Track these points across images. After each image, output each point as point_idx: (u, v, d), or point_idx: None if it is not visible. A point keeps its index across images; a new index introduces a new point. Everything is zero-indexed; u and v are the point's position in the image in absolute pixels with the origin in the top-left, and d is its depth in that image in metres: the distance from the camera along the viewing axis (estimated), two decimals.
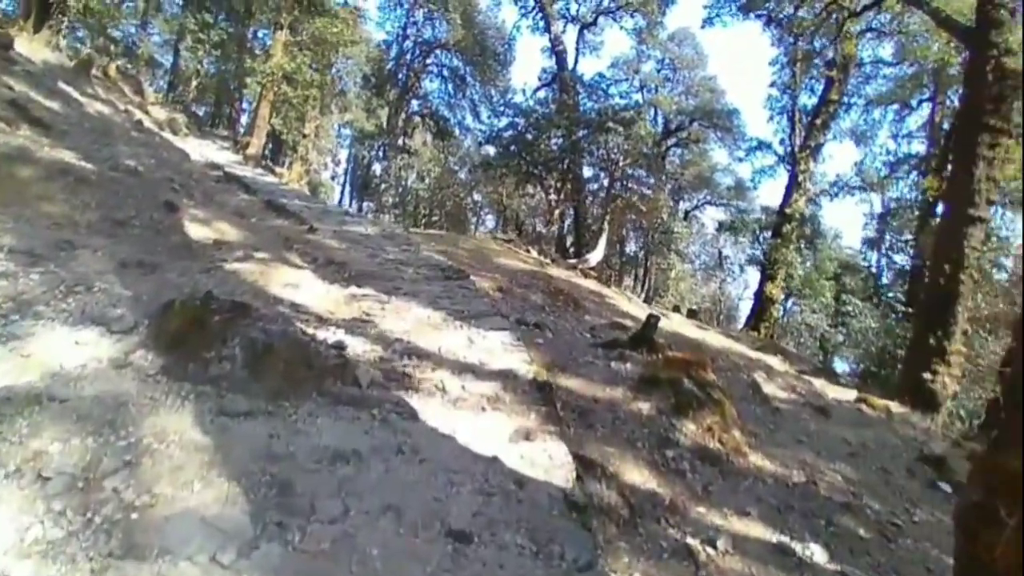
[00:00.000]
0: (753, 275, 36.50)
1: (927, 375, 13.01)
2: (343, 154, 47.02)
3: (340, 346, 4.99)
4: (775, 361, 13.54)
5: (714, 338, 13.68)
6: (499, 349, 5.79)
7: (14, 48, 16.15)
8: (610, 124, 18.65)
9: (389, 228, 11.94)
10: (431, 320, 6.36)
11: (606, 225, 20.15)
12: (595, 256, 18.88)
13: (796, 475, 6.46)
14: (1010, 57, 13.62)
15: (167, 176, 11.72)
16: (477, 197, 37.05)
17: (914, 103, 28.29)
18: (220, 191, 14.36)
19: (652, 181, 21.10)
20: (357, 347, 5.14)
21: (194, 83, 28.40)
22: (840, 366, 31.62)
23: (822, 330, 26.71)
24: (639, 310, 13.56)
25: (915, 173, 28.47)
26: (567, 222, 29.60)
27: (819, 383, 12.64)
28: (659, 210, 22.06)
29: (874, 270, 32.58)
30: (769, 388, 10.30)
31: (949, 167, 26.85)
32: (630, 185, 20.79)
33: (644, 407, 6.56)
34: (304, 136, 28.15)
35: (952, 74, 25.31)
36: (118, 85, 22.48)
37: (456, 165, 35.24)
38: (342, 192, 46.74)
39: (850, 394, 12.28)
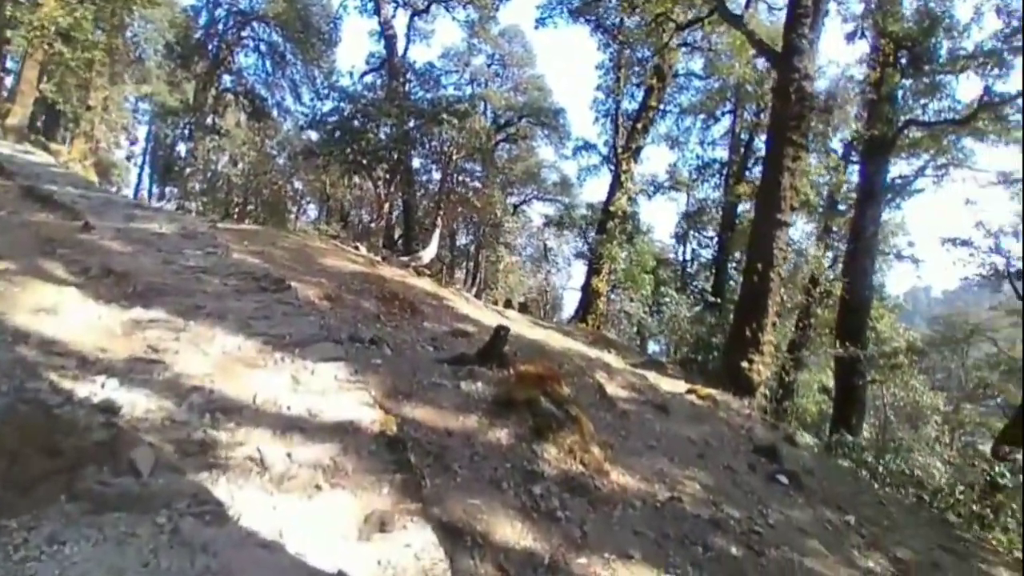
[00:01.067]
0: (577, 267, 37.86)
1: (744, 364, 13.85)
2: (142, 132, 41.34)
3: (110, 408, 3.49)
4: (611, 357, 13.57)
5: (554, 337, 13.33)
6: (333, 388, 4.59)
7: None
8: (444, 116, 17.62)
9: (192, 224, 9.94)
10: (243, 352, 4.95)
11: (439, 221, 19.15)
12: (428, 253, 17.90)
13: (660, 491, 6.32)
14: (808, 81, 14.80)
15: None
16: (298, 185, 34.29)
17: (718, 114, 30.67)
18: None
19: (485, 175, 20.41)
20: (136, 406, 3.65)
21: None
22: (652, 347, 34.06)
23: (639, 317, 28.22)
24: (479, 312, 12.81)
25: (718, 176, 30.96)
26: (396, 215, 28.21)
27: (651, 376, 13.02)
28: (493, 205, 21.55)
29: (682, 262, 35.19)
30: (612, 388, 10.25)
31: (755, 173, 30.38)
32: (463, 179, 19.94)
33: (502, 435, 5.84)
34: (88, 108, 23.92)
35: (749, 91, 27.69)
36: None
37: (274, 150, 32.23)
38: (139, 175, 41.05)
39: (679, 385, 12.96)
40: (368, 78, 28.96)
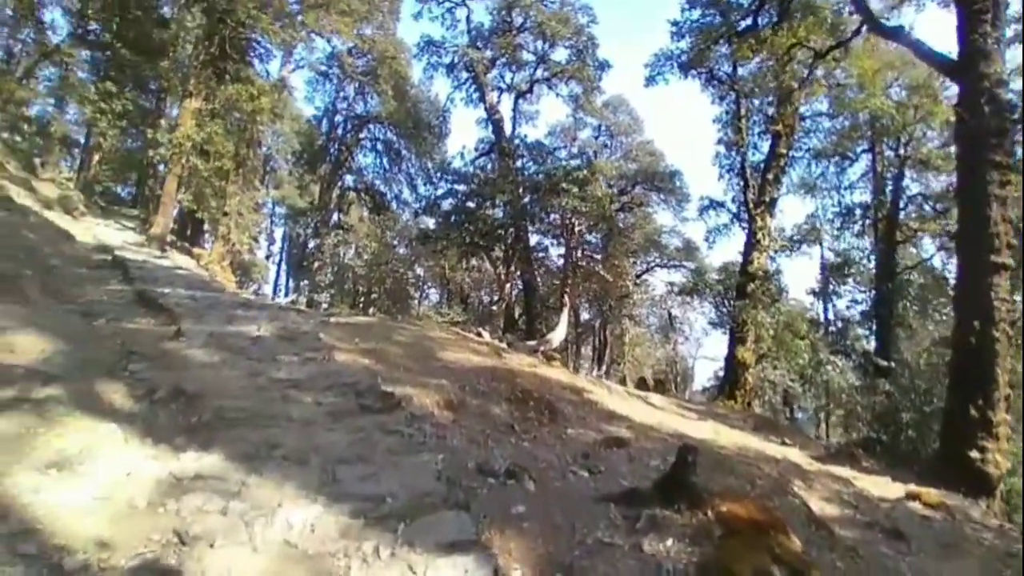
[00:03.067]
0: (712, 336, 34.48)
1: (973, 453, 10.46)
2: (279, 232, 43.54)
3: None
4: (794, 453, 10.73)
5: (721, 432, 10.68)
6: None
7: None
8: (563, 185, 15.93)
9: (296, 323, 8.55)
10: (315, 539, 3.03)
11: (566, 298, 17.15)
12: (558, 335, 15.90)
13: None
14: (1002, 88, 11.80)
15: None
16: (419, 271, 34.00)
17: (853, 154, 27.21)
18: (86, 280, 10.79)
19: (610, 245, 18.21)
20: None
21: (96, 158, 24.62)
22: (799, 416, 29.62)
23: (786, 386, 24.57)
24: (626, 405, 10.50)
25: (862, 222, 27.10)
26: (515, 294, 26.72)
27: (849, 474, 10.02)
28: (622, 276, 19.34)
29: (823, 322, 30.89)
30: (818, 504, 7.64)
31: (910, 213, 26.45)
32: (587, 252, 17.89)
33: None
34: (225, 214, 24.57)
35: (885, 124, 24.37)
36: None
37: (395, 240, 32.21)
38: (277, 272, 42.96)
39: (891, 487, 9.85)
40: (479, 162, 28.34)
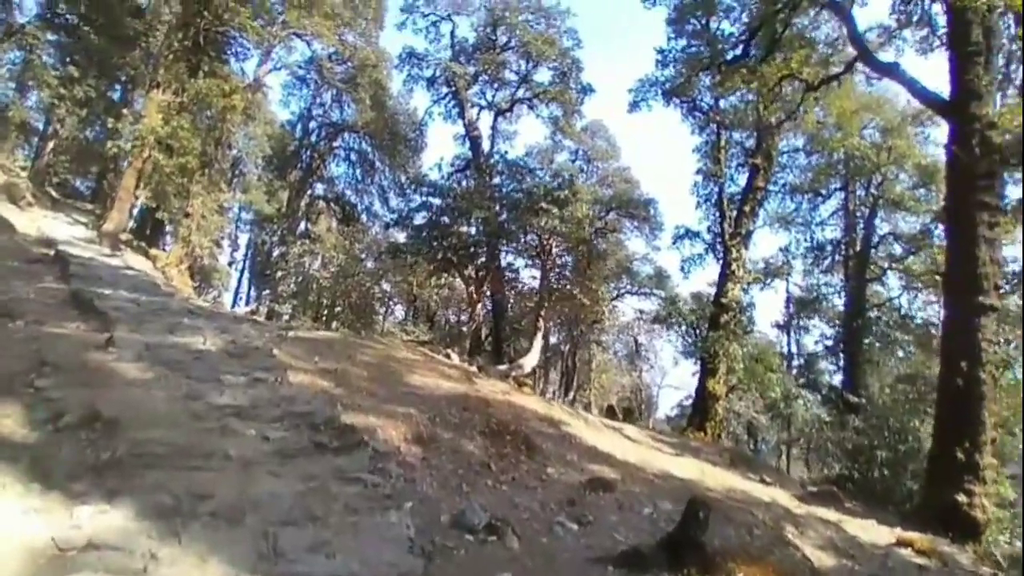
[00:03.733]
0: (678, 364, 33.96)
1: (960, 497, 10.05)
2: (244, 239, 41.81)
3: None
4: (780, 495, 10.07)
5: (707, 472, 9.96)
6: None
7: None
8: (543, 204, 15.19)
9: (248, 336, 7.56)
10: None
11: (540, 322, 16.28)
12: (530, 360, 15.08)
13: None
14: (994, 131, 11.57)
15: None
16: (385, 287, 32.86)
17: (825, 191, 27.21)
18: (15, 275, 9.63)
19: (589, 270, 17.40)
20: None
21: (49, 146, 23.03)
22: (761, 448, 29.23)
23: (750, 417, 24.23)
24: (607, 441, 9.71)
25: (831, 258, 27.06)
26: (483, 315, 25.84)
27: (833, 516, 9.51)
28: (598, 302, 18.58)
29: (786, 355, 30.74)
30: (813, 552, 7.11)
31: (881, 252, 26.50)
32: (564, 274, 17.07)
33: None
34: (187, 215, 23.24)
35: (859, 164, 24.50)
36: None
37: (363, 253, 31.08)
38: (239, 279, 41.14)
39: (879, 531, 9.52)
40: (455, 178, 27.48)
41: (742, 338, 21.01)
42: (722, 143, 24.00)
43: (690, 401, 35.56)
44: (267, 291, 32.13)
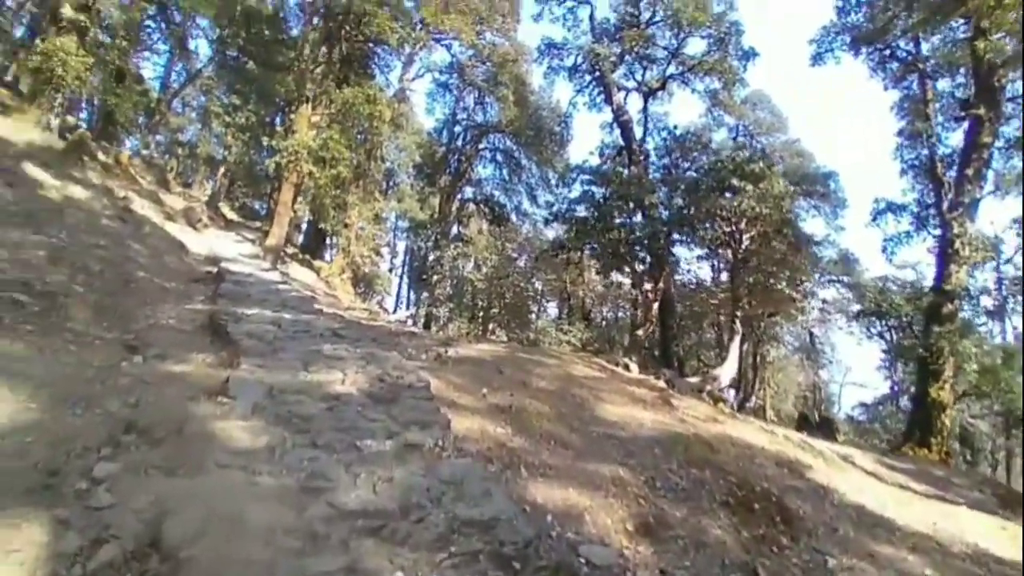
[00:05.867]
0: (854, 357, 28.84)
1: None
2: (403, 245, 42.55)
3: None
4: None
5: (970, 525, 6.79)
6: None
7: None
8: (732, 182, 12.23)
9: (398, 369, 5.70)
10: None
11: (738, 324, 13.22)
12: (727, 371, 12.29)
13: None
14: None
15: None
16: (537, 285, 31.21)
17: None
18: (165, 297, 8.72)
19: (797, 258, 13.81)
20: None
21: (221, 170, 23.90)
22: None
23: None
24: (868, 493, 6.88)
25: None
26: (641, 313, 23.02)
27: None
28: (806, 299, 15.01)
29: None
30: None
31: None
32: (762, 265, 13.74)
33: None
34: (345, 226, 23.07)
35: None
36: (129, 172, 17.99)
37: (515, 253, 29.63)
38: (399, 284, 41.89)
39: None
40: (608, 167, 24.88)
41: (974, 333, 16.48)
42: (928, 95, 19.31)
43: (874, 400, 30.21)
44: (425, 295, 31.71)
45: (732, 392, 15.83)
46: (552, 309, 35.09)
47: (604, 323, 32.28)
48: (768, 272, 13.33)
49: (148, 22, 23.88)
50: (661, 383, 9.53)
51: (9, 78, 18.78)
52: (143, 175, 19.84)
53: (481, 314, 29.65)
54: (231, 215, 27.32)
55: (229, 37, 21.90)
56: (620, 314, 32.00)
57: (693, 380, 11.40)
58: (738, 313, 13.12)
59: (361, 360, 5.71)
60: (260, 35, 21.54)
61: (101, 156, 17.48)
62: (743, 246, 13.08)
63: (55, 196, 12.05)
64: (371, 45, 21.25)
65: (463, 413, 5.03)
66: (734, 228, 13.02)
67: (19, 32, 21.61)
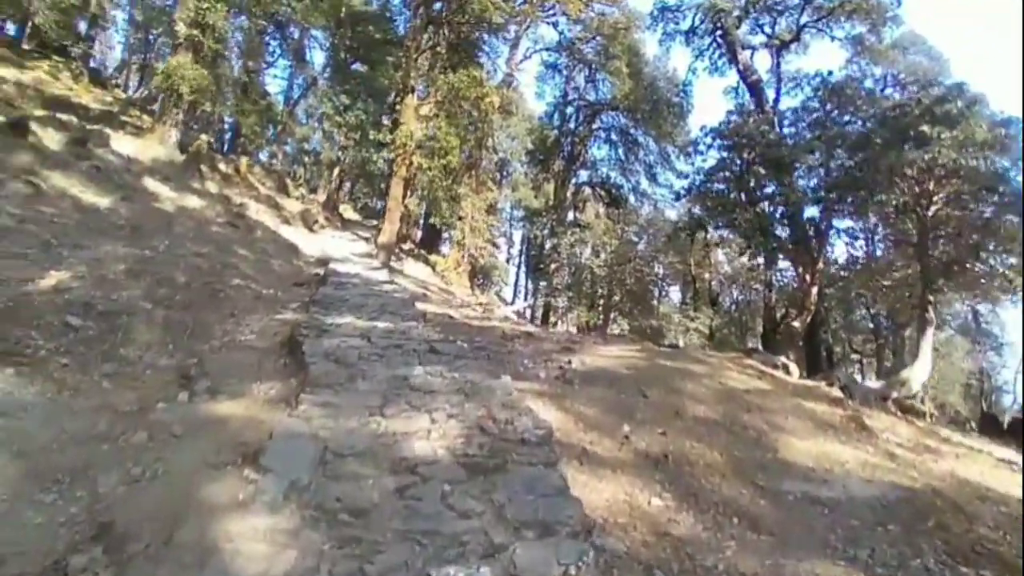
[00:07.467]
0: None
1: None
2: (519, 235, 41.50)
3: None
4: None
5: None
6: None
7: (109, 145, 12.87)
8: (923, 129, 9.36)
9: (508, 398, 4.19)
10: None
11: (931, 313, 10.20)
12: (919, 373, 9.57)
13: None
14: None
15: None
16: (659, 269, 28.69)
17: None
18: (256, 307, 7.82)
19: (1002, 227, 10.44)
20: None
21: (335, 171, 23.75)
22: None
23: None
24: None
25: None
26: (774, 298, 19.85)
27: None
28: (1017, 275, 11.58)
29: None
30: None
31: None
32: (962, 236, 10.52)
33: None
34: (460, 218, 22.09)
35: None
36: (248, 180, 18.14)
37: (635, 236, 27.31)
38: (517, 274, 40.92)
39: None
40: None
41: None
42: None
43: None
44: (543, 283, 30.31)
45: (923, 399, 12.66)
46: (675, 294, 32.41)
47: (734, 307, 29.09)
48: (968, 244, 10.17)
49: (268, 39, 24.51)
50: (836, 391, 7.32)
51: (154, 107, 19.54)
52: (262, 181, 20.04)
53: (601, 302, 27.71)
54: (351, 215, 27.51)
55: (337, 39, 21.68)
56: (752, 296, 28.58)
57: (874, 386, 8.97)
58: (930, 298, 10.14)
59: (458, 393, 4.25)
60: (366, 33, 21.08)
61: (221, 166, 17.74)
62: (930, 211, 10.11)
63: (168, 207, 11.91)
64: (476, 28, 20.06)
65: (600, 472, 3.44)
66: (921, 189, 10.10)
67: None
